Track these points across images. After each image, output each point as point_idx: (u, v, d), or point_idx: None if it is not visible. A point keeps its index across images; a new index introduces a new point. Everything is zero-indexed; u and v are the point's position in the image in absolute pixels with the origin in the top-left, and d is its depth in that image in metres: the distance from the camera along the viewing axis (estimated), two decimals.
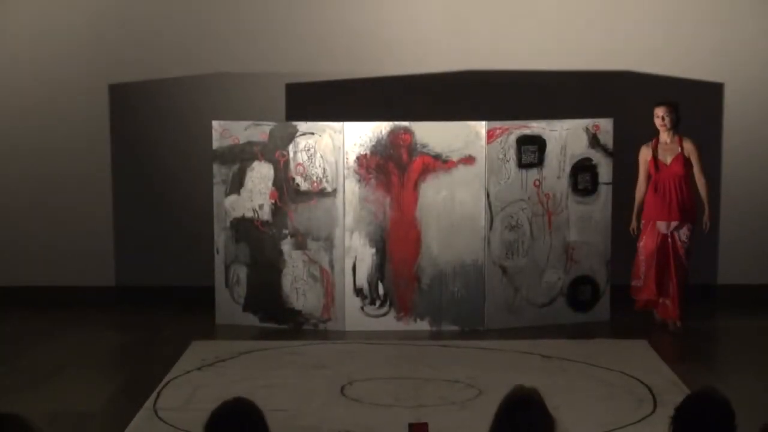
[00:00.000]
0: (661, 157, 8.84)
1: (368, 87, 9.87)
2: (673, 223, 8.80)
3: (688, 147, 8.81)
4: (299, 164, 9.02)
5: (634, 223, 9.02)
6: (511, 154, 8.96)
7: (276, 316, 9.19)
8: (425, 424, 4.94)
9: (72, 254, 10.06)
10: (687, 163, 8.81)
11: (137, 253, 10.09)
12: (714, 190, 10.03)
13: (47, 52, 9.92)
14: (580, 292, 9.25)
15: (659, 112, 8.81)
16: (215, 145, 9.17)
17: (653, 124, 9.03)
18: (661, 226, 8.82)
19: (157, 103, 9.99)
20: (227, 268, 9.25)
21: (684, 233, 8.83)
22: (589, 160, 9.16)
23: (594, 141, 9.16)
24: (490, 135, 8.92)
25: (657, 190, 8.84)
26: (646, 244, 8.89)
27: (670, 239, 8.81)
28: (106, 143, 10.03)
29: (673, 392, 7.01)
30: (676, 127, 8.82)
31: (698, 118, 10.01)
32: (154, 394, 7.11)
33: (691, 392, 3.73)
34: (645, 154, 8.91)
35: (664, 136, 8.84)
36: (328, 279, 9.05)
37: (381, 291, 9.02)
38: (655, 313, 9.07)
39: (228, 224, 9.20)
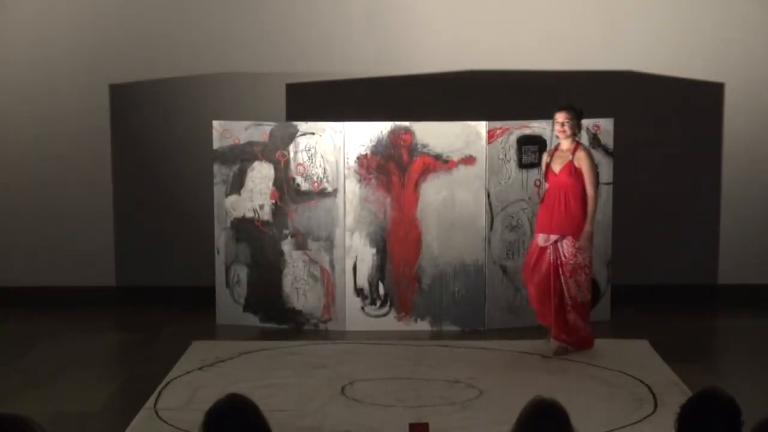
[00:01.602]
0: (553, 164, 8.08)
1: (369, 87, 9.87)
2: (553, 236, 7.98)
3: (580, 156, 7.99)
4: (300, 164, 9.02)
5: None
6: (512, 154, 8.97)
7: (276, 316, 9.19)
8: (426, 425, 4.94)
9: (73, 254, 10.06)
10: (578, 173, 7.98)
11: (138, 253, 10.09)
12: (714, 190, 10.05)
13: (48, 52, 9.91)
14: None
15: (559, 117, 8.03)
16: (216, 145, 9.17)
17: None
18: (540, 238, 8.04)
19: (158, 103, 9.99)
20: (228, 268, 9.25)
21: (567, 249, 7.98)
22: None
23: (594, 141, 9.15)
24: (491, 135, 8.92)
25: (544, 200, 8.13)
26: (529, 255, 8.22)
27: (551, 253, 8.02)
28: (106, 143, 10.03)
29: (674, 392, 7.01)
30: (576, 135, 8.08)
31: (698, 118, 10.02)
32: (155, 394, 7.11)
33: (695, 392, 3.73)
34: (544, 161, 8.25)
35: (563, 144, 8.08)
36: (328, 279, 9.05)
37: (381, 291, 9.02)
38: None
39: (228, 224, 9.20)
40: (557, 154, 8.10)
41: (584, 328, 8.16)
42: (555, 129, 8.08)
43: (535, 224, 8.29)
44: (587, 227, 7.97)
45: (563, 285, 8.02)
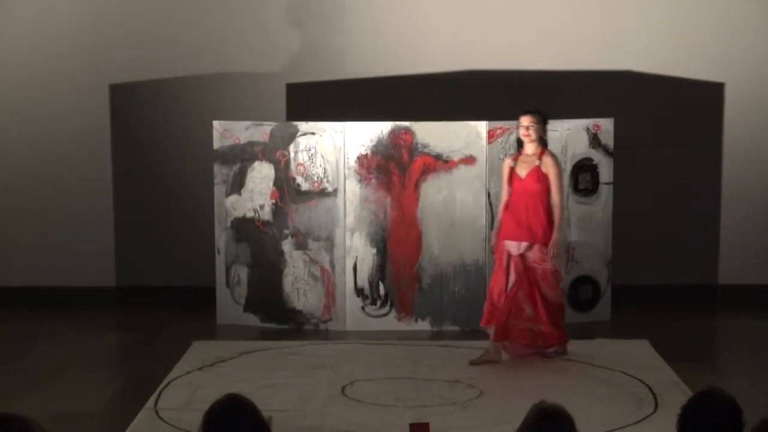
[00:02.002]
0: (518, 170, 7.85)
1: (369, 87, 9.87)
2: (524, 244, 7.77)
3: (547, 162, 7.79)
4: (300, 164, 9.02)
5: (493, 240, 8.07)
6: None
7: (277, 317, 9.19)
8: (426, 425, 4.94)
9: (73, 254, 10.06)
10: (544, 179, 7.77)
11: (138, 253, 10.09)
12: (715, 190, 10.04)
13: (48, 52, 9.91)
14: (581, 292, 9.24)
15: (524, 121, 7.83)
16: (216, 145, 9.17)
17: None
18: (511, 246, 7.80)
19: (158, 103, 9.99)
20: (228, 268, 9.25)
21: (535, 255, 7.75)
22: (589, 160, 9.16)
23: (595, 141, 9.15)
24: (491, 135, 8.92)
25: (509, 206, 7.86)
26: (498, 262, 7.90)
27: (520, 262, 7.77)
28: (106, 143, 10.02)
29: (675, 392, 7.01)
30: (542, 140, 7.87)
31: (699, 119, 10.02)
32: (155, 395, 7.11)
33: (695, 392, 3.73)
34: (507, 165, 7.96)
35: (528, 148, 7.86)
36: (328, 279, 9.05)
37: (382, 291, 9.02)
38: (490, 332, 7.98)
39: (229, 224, 9.19)
40: (522, 158, 7.89)
41: (561, 328, 7.97)
42: (520, 133, 7.89)
43: (497, 231, 7.96)
44: (555, 234, 7.75)
45: (539, 291, 7.79)
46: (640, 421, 6.59)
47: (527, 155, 7.87)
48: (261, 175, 9.09)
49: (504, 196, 7.94)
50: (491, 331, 7.91)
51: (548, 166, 7.79)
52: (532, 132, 7.82)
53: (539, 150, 7.85)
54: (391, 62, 9.90)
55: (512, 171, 7.87)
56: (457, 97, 9.77)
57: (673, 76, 9.92)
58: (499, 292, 7.86)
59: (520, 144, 7.98)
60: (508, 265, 7.81)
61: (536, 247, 7.75)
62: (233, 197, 9.17)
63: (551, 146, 8.99)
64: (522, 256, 7.77)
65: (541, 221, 7.75)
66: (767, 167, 10.05)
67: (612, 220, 9.24)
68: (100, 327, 9.35)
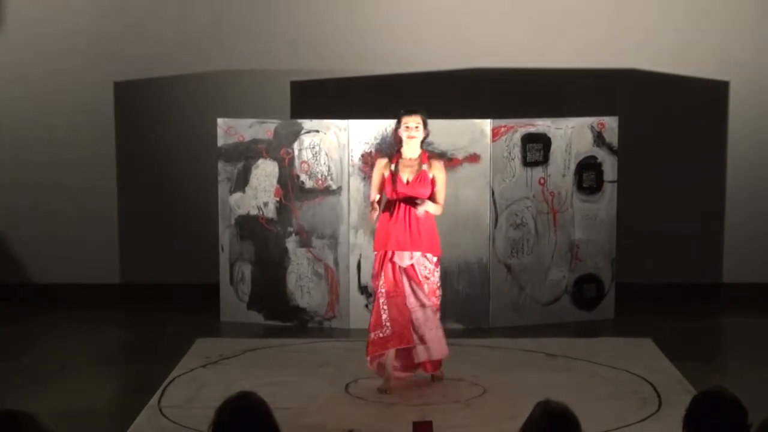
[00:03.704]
0: (401, 174, 7.20)
1: (373, 85, 9.87)
2: (416, 254, 7.18)
3: (437, 166, 7.23)
4: (304, 162, 9.02)
5: (378, 254, 7.30)
6: (516, 152, 8.96)
7: (280, 314, 9.19)
8: (430, 423, 4.94)
9: (77, 252, 10.07)
10: (432, 184, 7.20)
11: (142, 250, 10.09)
12: (719, 189, 10.03)
13: (52, 49, 9.92)
14: (584, 290, 9.25)
15: (410, 121, 7.19)
16: (220, 142, 9.17)
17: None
18: (404, 257, 7.16)
19: (162, 100, 10.00)
20: (232, 265, 9.26)
21: (427, 267, 7.25)
22: (594, 158, 9.15)
23: (599, 139, 9.15)
24: (495, 133, 8.92)
25: (393, 215, 7.17)
26: (386, 281, 7.18)
27: (404, 274, 7.19)
28: (110, 140, 10.03)
29: (678, 391, 7.00)
30: (423, 142, 7.31)
31: (704, 117, 10.01)
32: (159, 392, 7.11)
33: (698, 392, 3.72)
34: (383, 167, 7.29)
35: (409, 152, 7.23)
36: (332, 277, 9.05)
37: None
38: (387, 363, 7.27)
39: (233, 222, 9.20)
40: (403, 163, 7.24)
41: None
42: (402, 134, 7.22)
43: (375, 239, 7.36)
44: (430, 205, 7.16)
45: (429, 303, 7.23)
46: (643, 419, 6.59)
47: (410, 159, 7.23)
48: (265, 172, 9.09)
49: (374, 198, 7.28)
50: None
51: (438, 171, 7.21)
52: (418, 134, 7.24)
53: (422, 153, 7.27)
54: (395, 60, 9.90)
55: (394, 176, 7.19)
56: (462, 95, 9.77)
57: (678, 75, 9.91)
58: (399, 310, 7.15)
59: (398, 145, 7.33)
60: (397, 279, 7.15)
61: (427, 258, 7.23)
62: (237, 195, 9.17)
63: (556, 144, 9.03)
64: (414, 269, 7.18)
65: (430, 229, 7.23)
66: None
67: (616, 219, 9.24)
68: (104, 324, 9.36)
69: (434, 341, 7.25)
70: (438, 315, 7.33)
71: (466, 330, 8.93)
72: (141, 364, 8.13)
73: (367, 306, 9.00)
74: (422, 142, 7.30)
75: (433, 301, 7.28)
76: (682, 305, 9.71)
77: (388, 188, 7.23)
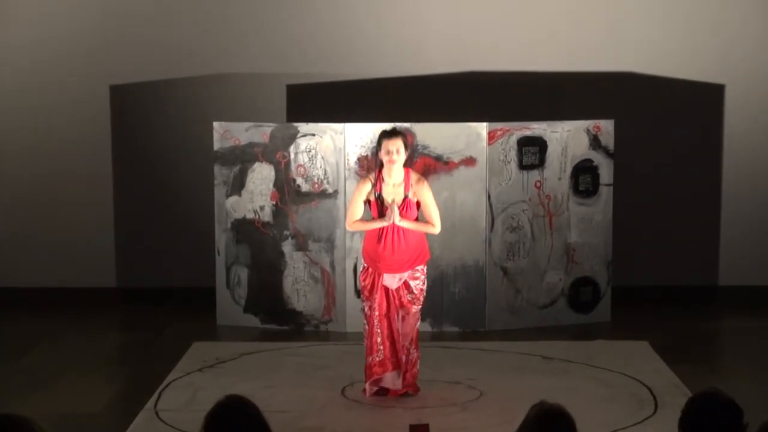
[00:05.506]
0: (387, 196, 7.00)
1: (369, 88, 9.87)
2: (405, 275, 7.01)
3: (421, 188, 6.99)
4: (300, 165, 9.02)
5: (367, 279, 7.13)
6: (512, 155, 8.97)
7: (277, 318, 9.19)
8: (426, 426, 4.94)
9: (73, 256, 10.06)
10: (417, 205, 7.02)
11: (138, 254, 10.09)
12: (715, 192, 10.04)
13: (48, 53, 9.91)
14: (581, 293, 9.25)
15: (390, 145, 6.92)
16: (216, 146, 9.17)
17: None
18: (392, 280, 7.02)
19: (158, 104, 9.99)
20: (228, 269, 9.26)
21: (416, 285, 7.03)
22: (590, 161, 9.16)
23: (595, 142, 9.16)
24: (491, 136, 8.92)
25: (381, 237, 6.98)
26: (380, 304, 7.03)
27: (393, 295, 7.03)
28: (107, 144, 10.03)
29: (674, 393, 7.01)
30: (407, 162, 7.06)
31: (699, 120, 10.02)
32: (155, 396, 7.11)
33: (694, 394, 3.73)
34: (365, 190, 7.07)
35: (393, 176, 6.98)
36: (329, 280, 9.05)
37: None
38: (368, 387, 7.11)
39: (229, 225, 9.20)
40: (386, 191, 7.01)
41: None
42: (384, 158, 6.94)
43: (363, 252, 7.19)
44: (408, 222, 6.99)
45: (410, 326, 7.05)
46: (640, 422, 6.59)
47: (393, 185, 7.00)
48: (261, 176, 9.09)
49: (355, 216, 7.11)
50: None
51: (423, 192, 7.00)
52: (399, 158, 6.95)
53: (405, 172, 7.01)
54: (391, 63, 9.91)
55: (378, 200, 7.00)
56: (458, 98, 9.78)
57: (674, 78, 9.92)
58: (391, 332, 7.04)
59: (379, 167, 7.06)
60: (386, 301, 7.03)
61: (417, 272, 7.05)
62: (233, 198, 9.17)
63: (552, 147, 9.03)
64: (402, 289, 7.02)
65: (418, 245, 7.05)
66: (767, 168, 10.06)
67: (612, 221, 9.25)
68: (101, 328, 9.35)
69: (409, 377, 7.10)
70: (417, 349, 7.10)
71: (462, 333, 8.93)
72: (137, 367, 8.12)
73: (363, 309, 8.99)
74: (407, 161, 7.05)
75: (417, 308, 7.07)
76: (678, 308, 9.72)
77: (374, 212, 7.06)
